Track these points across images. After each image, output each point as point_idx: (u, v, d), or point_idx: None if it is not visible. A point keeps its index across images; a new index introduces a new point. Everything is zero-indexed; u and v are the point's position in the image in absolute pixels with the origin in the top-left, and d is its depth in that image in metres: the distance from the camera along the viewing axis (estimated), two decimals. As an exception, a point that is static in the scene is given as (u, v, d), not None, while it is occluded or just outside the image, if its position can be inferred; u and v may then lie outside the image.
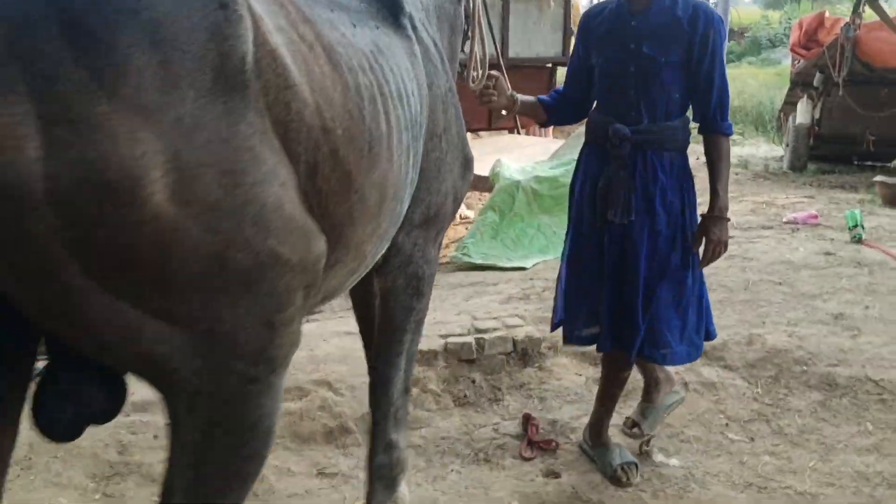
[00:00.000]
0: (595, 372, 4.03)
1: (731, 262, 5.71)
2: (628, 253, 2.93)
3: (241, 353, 1.35)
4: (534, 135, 9.59)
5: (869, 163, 10.30)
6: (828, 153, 10.18)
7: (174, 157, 1.20)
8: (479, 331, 4.09)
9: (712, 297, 4.99)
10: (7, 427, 1.46)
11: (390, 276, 2.27)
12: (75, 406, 1.40)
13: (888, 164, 10.32)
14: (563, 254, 3.20)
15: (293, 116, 1.42)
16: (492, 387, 3.81)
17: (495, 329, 4.06)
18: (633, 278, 2.92)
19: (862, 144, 9.37)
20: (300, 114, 1.44)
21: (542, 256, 6.07)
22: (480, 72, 3.17)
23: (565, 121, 3.41)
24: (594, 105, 3.11)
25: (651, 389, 3.37)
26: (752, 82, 17.93)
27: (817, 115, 9.71)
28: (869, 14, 9.67)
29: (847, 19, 9.66)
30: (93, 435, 3.12)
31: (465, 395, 3.78)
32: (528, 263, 5.84)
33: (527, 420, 3.51)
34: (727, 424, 3.59)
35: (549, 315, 4.65)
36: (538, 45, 9.04)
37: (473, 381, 3.85)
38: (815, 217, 6.94)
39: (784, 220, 7.07)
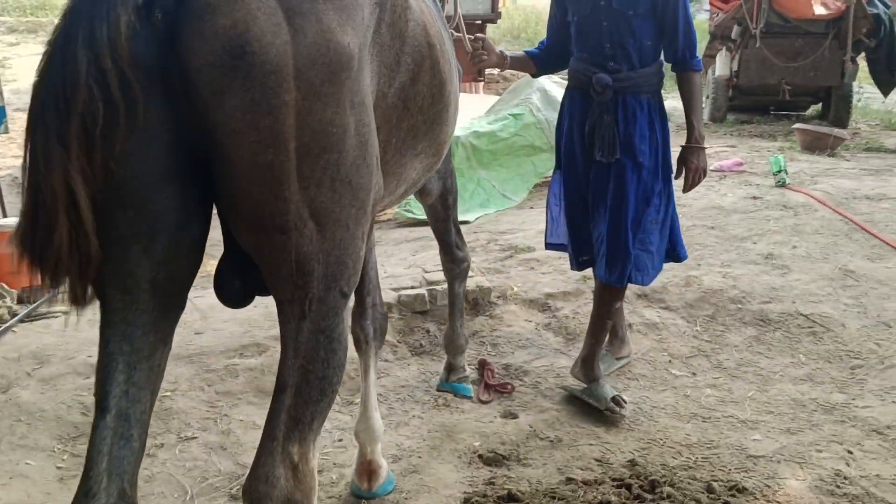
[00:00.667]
0: (543, 318, 4.16)
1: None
2: (616, 187, 3.14)
3: (346, 267, 1.62)
4: (466, 92, 9.62)
5: (785, 112, 10.62)
6: (747, 104, 10.46)
7: (360, 48, 1.56)
8: (430, 283, 4.17)
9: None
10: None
11: (433, 192, 2.99)
12: (242, 280, 1.72)
13: (804, 113, 10.67)
14: (551, 187, 3.46)
15: (407, 34, 1.83)
16: (446, 336, 3.90)
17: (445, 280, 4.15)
18: (623, 210, 3.13)
19: (778, 94, 9.63)
20: (413, 30, 1.86)
21: (483, 210, 6.15)
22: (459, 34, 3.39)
23: (552, 70, 3.61)
24: (575, 54, 3.29)
25: (613, 342, 3.67)
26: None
27: (735, 67, 9.93)
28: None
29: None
30: (55, 398, 3.11)
31: (421, 345, 3.87)
32: (470, 217, 5.92)
33: (482, 365, 3.62)
34: (670, 361, 3.78)
35: (496, 266, 4.80)
36: (468, 2, 9.06)
37: (428, 331, 3.94)
38: (741, 164, 7.18)
39: (711, 167, 7.29)
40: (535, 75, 3.75)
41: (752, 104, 10.44)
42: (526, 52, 3.49)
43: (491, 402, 3.40)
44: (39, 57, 1.36)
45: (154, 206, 1.47)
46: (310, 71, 1.43)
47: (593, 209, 3.22)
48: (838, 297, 4.27)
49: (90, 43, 1.29)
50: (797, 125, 8.57)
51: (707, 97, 10.89)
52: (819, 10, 9.14)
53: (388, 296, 3.92)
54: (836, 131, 8.29)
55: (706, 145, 3.23)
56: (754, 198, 6.12)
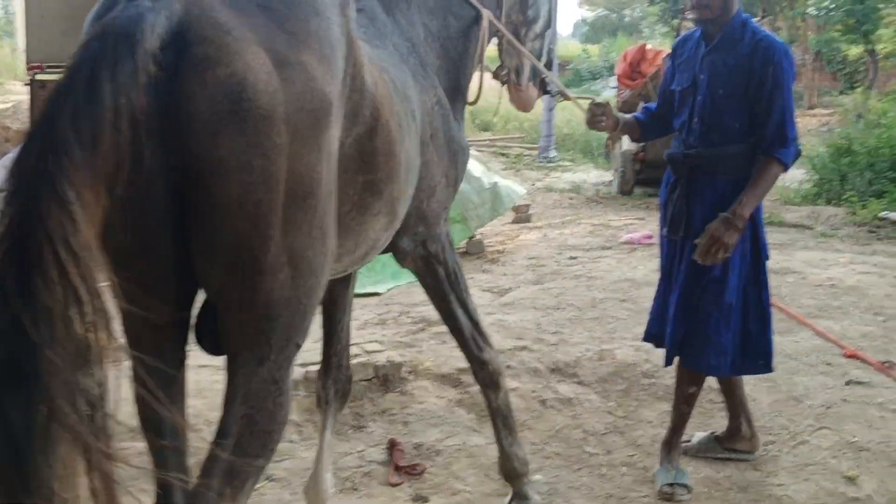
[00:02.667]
0: (456, 394, 4.04)
1: (577, 282, 5.92)
2: (682, 269, 3.14)
3: (306, 319, 1.74)
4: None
5: (690, 186, 10.91)
6: (653, 176, 10.69)
7: (338, 97, 1.70)
8: (340, 358, 4.00)
9: (562, 315, 5.20)
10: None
11: (410, 256, 2.73)
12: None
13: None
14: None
15: (365, 89, 1.92)
16: (355, 414, 3.74)
17: (355, 355, 3.99)
18: (688, 293, 3.12)
19: (684, 168, 9.88)
20: (369, 85, 1.95)
21: (395, 282, 6.04)
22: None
23: (654, 136, 3.55)
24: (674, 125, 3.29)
25: (731, 433, 3.52)
26: (578, 112, 18.72)
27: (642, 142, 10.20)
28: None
29: (668, 51, 10.24)
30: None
31: (328, 425, 3.69)
32: (382, 289, 5.81)
33: (392, 446, 3.46)
34: (585, 438, 3.69)
35: (408, 339, 4.68)
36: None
37: (335, 410, 3.77)
38: (650, 237, 7.30)
39: (621, 240, 7.41)
40: (638, 140, 3.75)
41: (658, 177, 10.63)
42: (635, 116, 3.46)
43: (401, 484, 3.24)
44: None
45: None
46: (297, 116, 1.55)
47: (671, 289, 3.24)
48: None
49: (113, 85, 1.36)
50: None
51: (615, 170, 11.14)
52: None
53: (293, 372, 3.73)
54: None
55: (732, 220, 2.99)
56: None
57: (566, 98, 3.73)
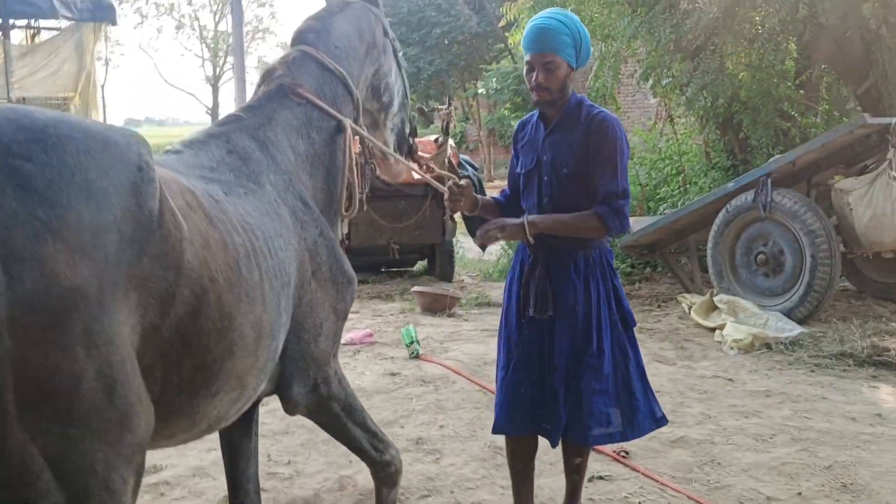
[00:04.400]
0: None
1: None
2: (558, 349, 3.16)
3: None
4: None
5: (396, 269, 11.03)
6: (361, 264, 10.66)
7: (100, 286, 1.58)
8: None
9: (293, 441, 4.77)
10: None
11: (302, 404, 2.64)
12: None
13: (412, 269, 11.17)
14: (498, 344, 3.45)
15: (182, 267, 1.82)
16: None
17: None
18: (553, 370, 3.16)
19: (388, 254, 9.99)
20: (191, 262, 1.85)
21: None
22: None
23: (515, 216, 3.48)
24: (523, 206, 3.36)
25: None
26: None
27: (346, 230, 10.10)
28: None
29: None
30: None
31: None
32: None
33: None
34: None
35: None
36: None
37: None
38: (371, 335, 7.09)
39: (343, 341, 7.11)
40: None
41: (365, 264, 10.68)
42: (494, 197, 3.56)
43: None
44: None
45: None
46: (25, 320, 1.45)
47: (530, 368, 3.23)
48: (493, 479, 4.14)
49: None
50: (416, 288, 8.83)
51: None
52: (416, 175, 9.69)
53: None
54: (452, 291, 8.71)
55: (521, 221, 3.15)
56: (392, 374, 5.99)
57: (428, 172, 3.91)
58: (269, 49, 64.22)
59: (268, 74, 2.90)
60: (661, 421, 3.36)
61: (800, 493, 3.93)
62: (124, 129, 1.91)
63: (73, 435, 1.53)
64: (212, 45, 41.47)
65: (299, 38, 3.03)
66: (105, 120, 7.15)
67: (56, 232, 1.52)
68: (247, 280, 2.14)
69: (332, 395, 2.72)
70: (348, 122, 2.94)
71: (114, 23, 6.92)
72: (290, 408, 2.66)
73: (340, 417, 2.79)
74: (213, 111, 42.73)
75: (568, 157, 3.15)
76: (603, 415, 3.17)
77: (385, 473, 2.97)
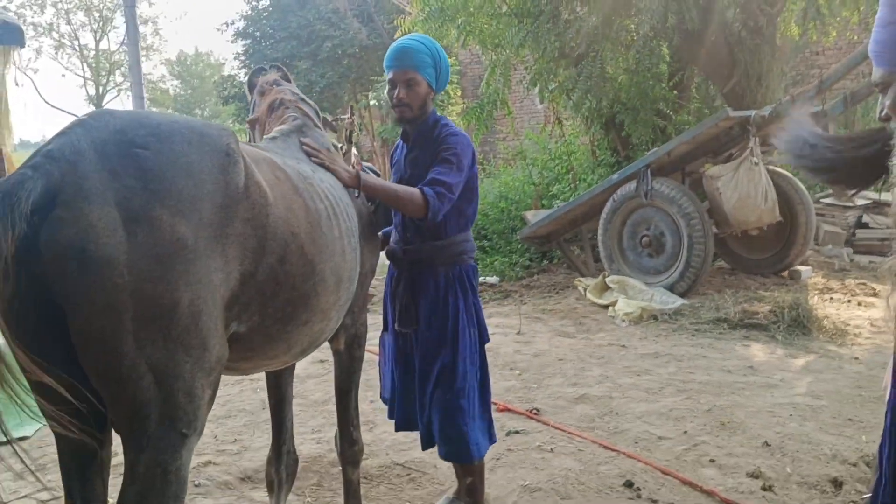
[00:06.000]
0: None
1: (242, 387, 5.87)
2: (417, 362, 3.35)
3: (186, 412, 2.08)
4: None
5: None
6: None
7: (196, 240, 2.03)
8: None
9: (236, 423, 5.15)
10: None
11: (345, 334, 3.28)
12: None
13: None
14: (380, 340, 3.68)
15: (268, 225, 2.34)
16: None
17: None
18: (413, 382, 3.37)
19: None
20: (275, 223, 2.38)
21: (40, 421, 5.45)
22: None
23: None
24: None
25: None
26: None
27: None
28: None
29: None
30: None
31: None
32: (29, 431, 5.21)
33: None
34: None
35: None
36: None
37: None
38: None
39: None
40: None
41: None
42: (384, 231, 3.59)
43: None
44: None
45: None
46: (140, 262, 1.89)
47: (397, 378, 3.47)
48: (422, 441, 4.61)
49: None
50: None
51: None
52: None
53: None
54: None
55: (356, 171, 3.18)
56: (321, 361, 6.39)
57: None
58: (153, 66, 62.40)
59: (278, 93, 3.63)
60: (484, 446, 3.42)
61: (685, 432, 4.59)
62: (217, 124, 2.41)
63: (170, 347, 1.95)
64: (93, 65, 40.35)
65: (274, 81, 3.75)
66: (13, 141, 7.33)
67: (163, 200, 1.97)
68: (326, 236, 2.69)
69: (359, 340, 3.36)
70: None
71: (22, 45, 7.04)
72: (337, 335, 3.23)
73: (355, 364, 3.39)
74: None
75: (423, 174, 3.22)
76: (464, 432, 3.29)
77: (352, 451, 3.46)
